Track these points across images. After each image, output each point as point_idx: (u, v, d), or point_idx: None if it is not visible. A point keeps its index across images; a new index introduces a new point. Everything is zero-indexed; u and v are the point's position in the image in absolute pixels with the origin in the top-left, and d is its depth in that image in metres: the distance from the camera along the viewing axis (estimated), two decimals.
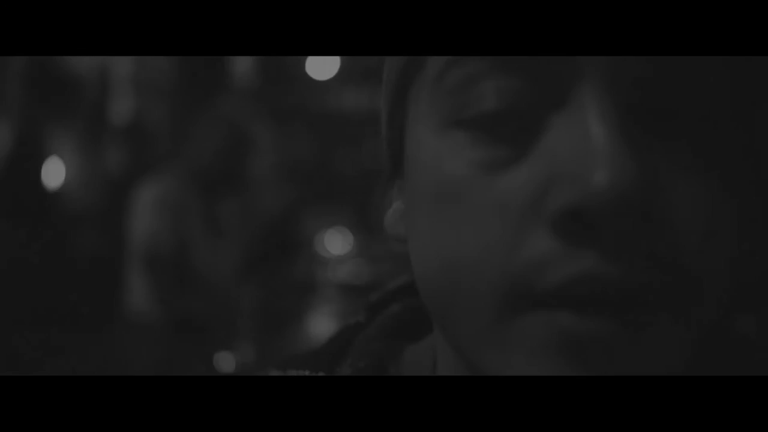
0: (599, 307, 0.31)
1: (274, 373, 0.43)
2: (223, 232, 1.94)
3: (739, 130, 0.34)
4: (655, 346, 0.32)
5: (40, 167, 3.10)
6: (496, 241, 0.32)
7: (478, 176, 0.33)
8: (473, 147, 0.33)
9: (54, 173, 3.16)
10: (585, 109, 0.31)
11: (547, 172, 0.31)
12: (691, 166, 0.32)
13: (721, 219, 0.33)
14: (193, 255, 1.87)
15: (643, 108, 0.32)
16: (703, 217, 0.32)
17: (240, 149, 1.94)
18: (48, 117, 3.13)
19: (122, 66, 3.18)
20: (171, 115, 2.18)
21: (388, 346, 0.44)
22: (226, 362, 1.89)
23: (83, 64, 3.32)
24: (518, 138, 0.33)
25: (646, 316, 0.31)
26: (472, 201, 0.33)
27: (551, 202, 0.31)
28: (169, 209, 1.86)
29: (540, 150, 0.32)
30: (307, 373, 0.43)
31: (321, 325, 2.81)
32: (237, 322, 2.02)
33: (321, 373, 0.42)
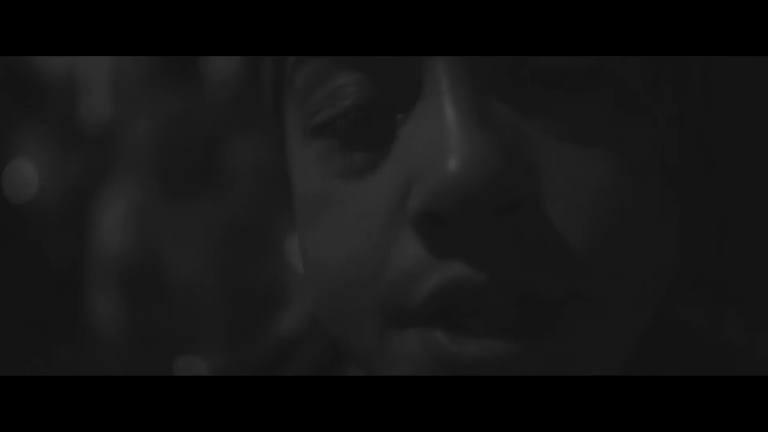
0: (475, 323, 0.28)
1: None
2: (193, 236, 1.84)
3: (660, 112, 0.30)
4: (559, 360, 0.29)
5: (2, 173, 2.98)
6: (365, 256, 0.30)
7: (338, 187, 0.31)
8: (328, 157, 0.31)
9: (20, 179, 3.08)
10: (440, 96, 0.29)
11: (406, 172, 0.29)
12: (582, 150, 0.29)
13: (629, 208, 0.29)
14: (164, 265, 1.77)
15: (516, 81, 0.29)
16: (598, 205, 0.29)
17: (209, 147, 1.85)
18: (15, 121, 3.02)
19: (93, 67, 2.98)
20: (144, 118, 2.08)
21: (331, 355, 0.43)
22: (195, 369, 1.79)
23: (51, 66, 3.17)
24: (375, 140, 0.31)
25: (535, 328, 0.28)
26: (336, 215, 0.31)
27: (410, 203, 0.29)
28: (137, 220, 1.77)
29: (397, 149, 0.30)
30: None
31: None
32: (207, 328, 1.91)
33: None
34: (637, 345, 0.32)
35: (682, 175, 0.32)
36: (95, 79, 2.16)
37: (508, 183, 0.28)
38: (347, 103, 0.31)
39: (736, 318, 0.37)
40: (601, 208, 0.29)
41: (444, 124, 0.28)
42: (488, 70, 0.29)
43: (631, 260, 0.30)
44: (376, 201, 0.30)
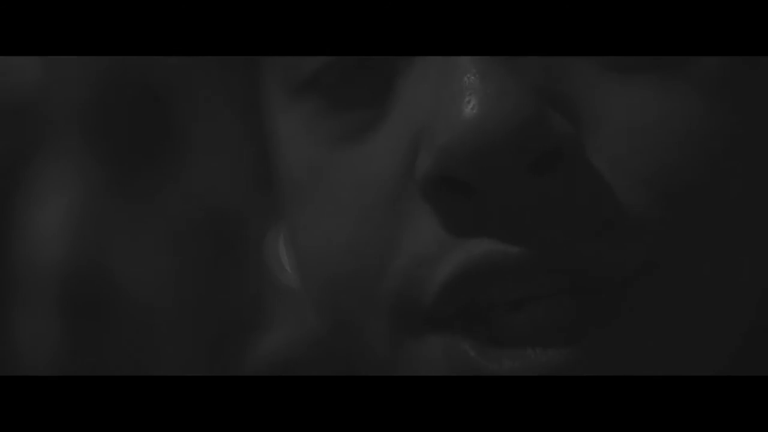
0: (512, 324, 0.24)
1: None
2: (148, 239, 1.54)
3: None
4: (628, 357, 0.24)
5: None
6: (367, 240, 0.27)
7: (329, 156, 0.28)
8: (315, 121, 0.29)
9: None
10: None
11: (411, 128, 0.26)
12: (639, 82, 0.24)
13: (704, 155, 0.24)
14: (114, 277, 1.49)
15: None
16: (664, 152, 0.24)
17: (165, 123, 1.54)
18: None
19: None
20: (81, 86, 1.84)
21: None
22: None
23: None
24: (371, 94, 0.28)
25: (594, 320, 0.24)
26: (329, 191, 0.28)
27: (419, 167, 0.25)
28: (82, 219, 1.49)
29: (400, 102, 0.27)
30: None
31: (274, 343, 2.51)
32: (169, 356, 1.61)
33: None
34: (745, 340, 0.27)
35: None
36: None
37: (542, 129, 0.24)
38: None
39: None
40: (668, 155, 0.24)
41: (456, 60, 0.24)
42: None
43: (714, 222, 0.25)
44: (377, 169, 0.27)
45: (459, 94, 0.24)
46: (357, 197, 0.28)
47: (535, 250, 0.24)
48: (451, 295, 0.26)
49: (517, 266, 0.24)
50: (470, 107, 0.23)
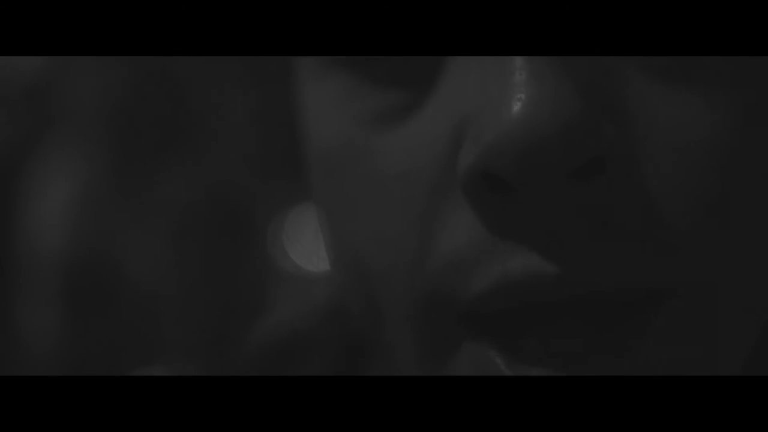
0: (540, 338, 0.24)
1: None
2: (154, 224, 1.57)
3: None
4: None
5: None
6: (403, 234, 0.25)
7: (366, 137, 0.26)
8: (356, 94, 0.27)
9: None
10: None
11: (455, 117, 0.25)
12: (692, 92, 0.24)
13: (755, 175, 0.25)
14: (121, 264, 1.52)
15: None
16: (714, 169, 0.24)
17: (174, 109, 1.59)
18: None
19: None
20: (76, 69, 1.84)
21: (342, 368, 0.37)
22: None
23: None
24: (414, 72, 0.26)
25: (623, 337, 0.24)
26: (364, 175, 0.26)
27: (461, 160, 0.24)
28: (86, 206, 1.52)
29: (445, 85, 0.25)
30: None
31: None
32: (172, 344, 1.65)
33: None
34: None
35: None
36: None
37: (590, 134, 0.23)
38: None
39: None
40: (718, 172, 0.24)
41: (510, 57, 0.24)
42: None
43: (754, 246, 0.25)
44: (418, 156, 0.25)
45: (510, 90, 0.23)
46: (395, 185, 0.26)
47: (570, 265, 0.24)
48: (483, 306, 0.25)
49: (552, 282, 0.24)
50: (520, 105, 0.23)
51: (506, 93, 0.23)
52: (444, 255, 0.25)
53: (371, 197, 0.27)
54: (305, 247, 2.64)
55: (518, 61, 0.23)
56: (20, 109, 1.89)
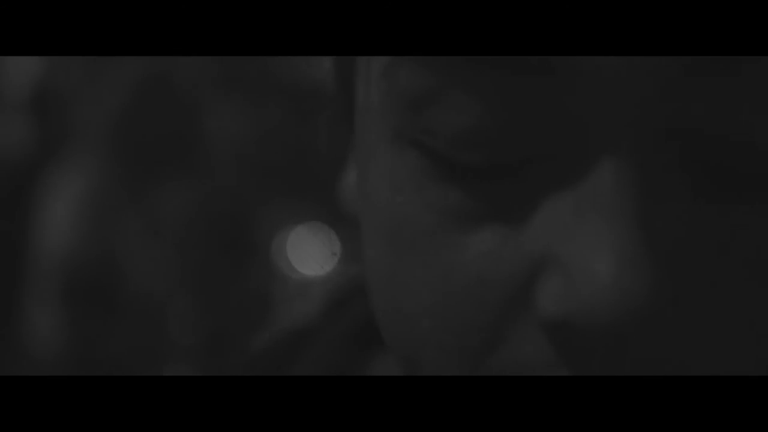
0: None
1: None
2: (160, 232, 1.60)
3: None
4: None
5: None
6: (469, 325, 0.25)
7: (444, 227, 0.26)
8: (438, 183, 0.26)
9: None
10: (614, 161, 0.23)
11: (537, 249, 0.24)
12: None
13: None
14: (125, 269, 1.54)
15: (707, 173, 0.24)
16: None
17: (183, 121, 1.62)
18: None
19: None
20: (91, 78, 1.86)
21: (346, 359, 0.38)
22: None
23: None
24: (503, 185, 0.25)
25: None
26: (438, 259, 0.26)
27: (540, 295, 0.24)
28: (94, 212, 1.54)
29: (534, 213, 0.25)
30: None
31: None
32: (175, 350, 1.66)
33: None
34: None
35: None
36: None
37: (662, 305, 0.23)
38: (478, 126, 0.24)
39: None
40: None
41: (606, 209, 0.23)
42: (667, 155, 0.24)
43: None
44: (495, 268, 0.25)
45: (600, 252, 0.23)
46: (465, 283, 0.26)
47: None
48: None
49: None
50: (612, 272, 0.23)
51: (599, 245, 0.23)
52: (506, 359, 0.25)
53: (443, 287, 0.26)
54: (308, 262, 2.62)
55: (620, 217, 0.23)
56: (32, 122, 1.93)
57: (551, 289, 0.24)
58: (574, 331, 0.23)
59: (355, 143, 0.31)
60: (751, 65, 0.24)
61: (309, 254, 2.02)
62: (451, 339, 0.26)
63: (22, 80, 1.98)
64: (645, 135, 0.24)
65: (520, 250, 0.25)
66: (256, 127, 1.82)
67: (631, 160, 0.23)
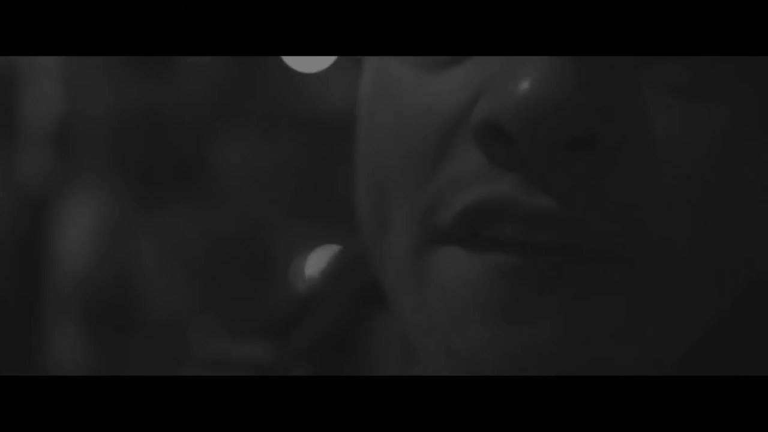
0: (511, 245, 0.28)
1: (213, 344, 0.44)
2: (174, 254, 1.59)
3: None
4: (608, 324, 0.28)
5: None
6: (418, 157, 0.30)
7: (411, 77, 0.31)
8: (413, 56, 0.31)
9: None
10: None
11: (482, 75, 0.29)
12: (686, 100, 0.27)
13: (730, 180, 0.28)
14: (140, 289, 1.52)
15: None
16: (693, 167, 0.27)
17: (195, 148, 1.61)
18: None
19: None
20: (109, 114, 1.83)
21: (352, 315, 0.42)
22: None
23: None
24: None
25: (580, 272, 0.28)
26: (403, 103, 0.31)
27: (476, 111, 0.28)
28: (109, 235, 1.52)
29: (488, 60, 0.29)
30: (254, 344, 0.41)
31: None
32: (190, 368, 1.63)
33: (269, 344, 0.41)
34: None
35: None
36: (44, 65, 1.87)
37: (584, 113, 0.27)
38: None
39: None
40: (695, 171, 0.27)
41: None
42: None
43: (712, 246, 0.28)
44: (444, 99, 0.30)
45: (527, 65, 0.27)
46: (420, 118, 0.30)
47: (549, 209, 0.27)
48: (465, 219, 0.28)
49: (527, 215, 0.27)
50: (532, 78, 0.27)
51: (523, 65, 0.27)
52: (446, 175, 0.29)
53: (401, 126, 0.30)
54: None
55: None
56: (50, 155, 1.92)
57: (484, 103, 0.28)
58: (500, 134, 0.27)
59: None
60: None
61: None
62: (409, 157, 0.30)
63: (42, 114, 1.98)
64: None
65: (467, 80, 0.29)
66: (271, 155, 1.78)
67: None
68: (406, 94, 0.31)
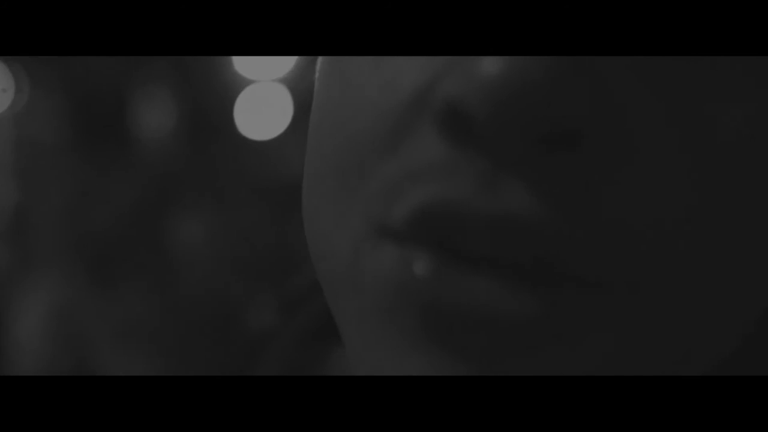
0: (471, 244, 0.23)
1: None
2: (134, 334, 1.58)
3: None
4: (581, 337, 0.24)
5: None
6: (373, 132, 0.26)
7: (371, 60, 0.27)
8: None
9: None
10: None
11: (444, 59, 0.25)
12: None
13: (731, 192, 0.24)
14: (98, 373, 1.50)
15: None
16: (686, 177, 0.23)
17: (151, 217, 1.63)
18: None
19: None
20: (64, 198, 1.84)
21: (310, 352, 0.40)
22: None
23: None
24: None
25: (544, 275, 0.23)
26: (360, 78, 0.27)
27: (438, 90, 0.24)
28: (63, 322, 1.51)
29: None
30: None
31: None
32: None
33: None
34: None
35: None
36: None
37: (568, 102, 0.22)
38: None
39: None
40: (699, 185, 0.24)
41: None
42: None
43: (716, 275, 0.24)
44: (406, 73, 0.26)
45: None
46: (378, 94, 0.26)
47: (517, 214, 0.23)
48: (416, 221, 0.24)
49: (492, 219, 0.23)
50: (507, 57, 0.23)
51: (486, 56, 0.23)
52: (401, 162, 0.25)
53: (355, 100, 0.27)
54: None
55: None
56: (4, 247, 1.93)
57: (446, 80, 0.24)
58: (464, 119, 0.24)
59: None
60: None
61: None
62: (359, 137, 0.26)
63: None
64: None
65: (429, 61, 0.26)
66: (230, 224, 1.78)
67: None
68: (364, 65, 0.27)
